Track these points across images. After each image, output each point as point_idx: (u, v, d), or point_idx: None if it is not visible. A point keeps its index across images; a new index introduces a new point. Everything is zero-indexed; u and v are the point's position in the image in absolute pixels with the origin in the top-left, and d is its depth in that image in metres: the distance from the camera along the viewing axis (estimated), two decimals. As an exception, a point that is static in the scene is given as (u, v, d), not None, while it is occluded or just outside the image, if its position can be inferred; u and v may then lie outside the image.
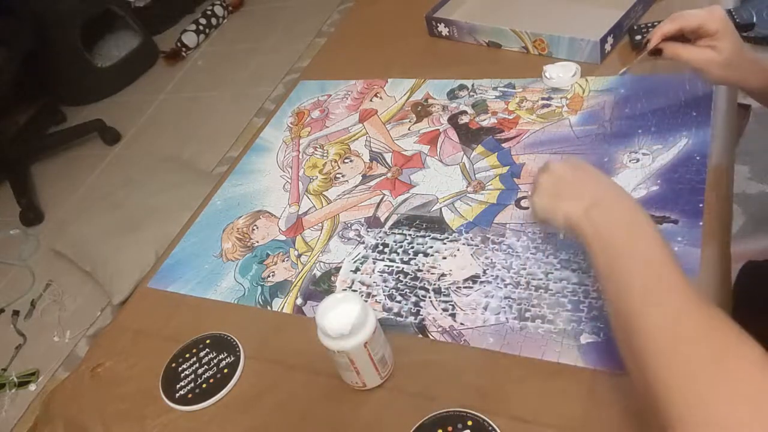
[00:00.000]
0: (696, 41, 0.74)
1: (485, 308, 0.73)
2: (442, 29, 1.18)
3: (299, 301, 0.83)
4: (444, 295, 0.76)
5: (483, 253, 0.79)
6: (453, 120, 1.00)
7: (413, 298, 0.77)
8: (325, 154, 1.05)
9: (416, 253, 0.82)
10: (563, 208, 0.63)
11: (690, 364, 0.46)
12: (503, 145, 0.92)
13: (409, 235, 0.85)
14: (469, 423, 0.62)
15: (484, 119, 0.98)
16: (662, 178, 0.78)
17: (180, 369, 0.79)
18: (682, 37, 0.76)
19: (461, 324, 0.72)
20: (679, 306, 0.50)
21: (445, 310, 0.74)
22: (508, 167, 0.89)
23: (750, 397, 0.43)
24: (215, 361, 0.78)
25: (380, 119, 1.07)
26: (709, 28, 0.72)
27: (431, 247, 0.82)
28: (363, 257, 0.84)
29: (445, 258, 0.80)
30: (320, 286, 0.83)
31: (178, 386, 0.77)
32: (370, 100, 1.12)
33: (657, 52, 0.77)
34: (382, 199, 0.92)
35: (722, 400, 0.43)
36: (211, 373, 0.77)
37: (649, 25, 0.97)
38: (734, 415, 0.43)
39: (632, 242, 0.56)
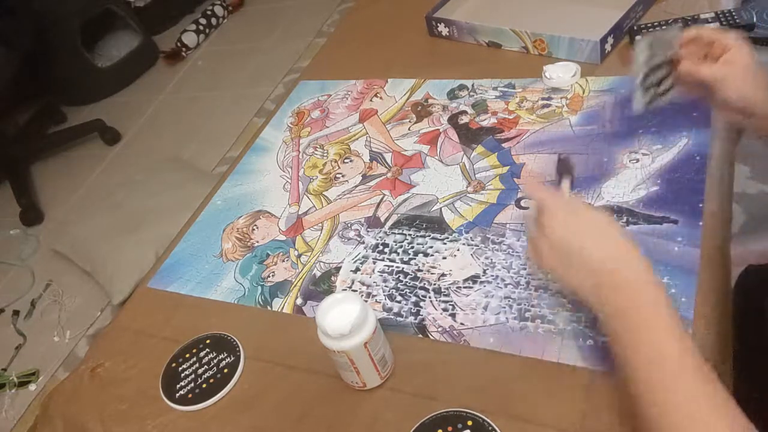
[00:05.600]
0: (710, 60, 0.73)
1: (485, 308, 0.73)
2: (442, 29, 1.18)
3: (299, 301, 0.83)
4: (444, 295, 0.76)
5: (483, 253, 0.79)
6: (453, 120, 1.00)
7: (413, 298, 0.77)
8: (325, 154, 1.05)
9: (416, 253, 0.82)
10: (570, 282, 0.60)
11: None
12: (503, 145, 0.92)
13: (409, 235, 0.85)
14: (469, 423, 0.62)
15: (484, 119, 0.98)
16: (662, 178, 0.78)
17: (180, 369, 0.79)
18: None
19: (461, 324, 0.72)
20: (686, 391, 0.50)
21: (445, 310, 0.74)
22: (508, 167, 0.89)
23: None
24: (215, 361, 0.78)
25: (380, 119, 1.07)
26: (725, 43, 0.71)
27: (431, 247, 0.82)
28: (363, 257, 0.84)
29: (445, 258, 0.80)
30: (320, 286, 0.83)
31: (178, 386, 0.77)
32: (370, 100, 1.12)
33: (674, 63, 0.75)
34: (382, 199, 0.92)
35: None
36: (211, 373, 0.77)
37: (649, 25, 0.97)
38: None
39: (642, 333, 0.54)
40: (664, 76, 0.76)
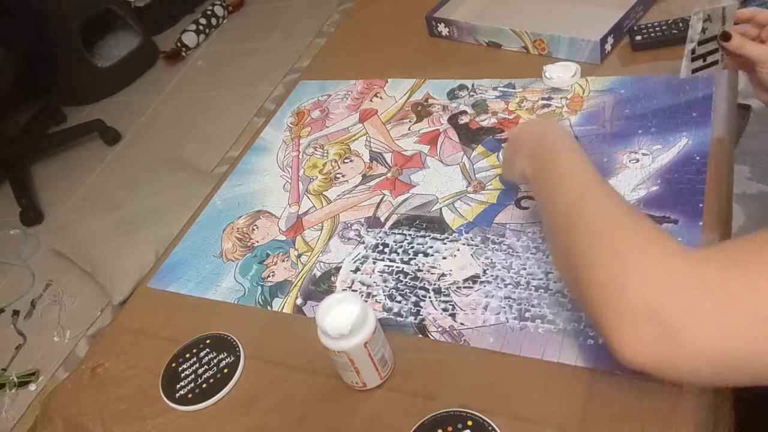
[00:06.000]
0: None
1: (485, 308, 0.73)
2: (442, 29, 1.18)
3: (299, 301, 0.83)
4: (444, 295, 0.76)
5: (483, 253, 0.79)
6: (453, 120, 1.00)
7: (413, 298, 0.77)
8: (325, 154, 1.05)
9: (416, 253, 0.82)
10: (519, 165, 0.71)
11: (614, 244, 0.51)
12: (503, 145, 0.92)
13: (409, 235, 0.85)
14: (469, 423, 0.62)
15: (484, 119, 0.98)
16: (662, 178, 0.78)
17: (180, 369, 0.79)
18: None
19: (461, 324, 0.72)
20: (607, 203, 0.57)
21: (445, 310, 0.74)
22: (508, 167, 0.89)
23: (664, 272, 0.46)
24: (215, 361, 0.78)
25: (380, 119, 1.07)
26: None
27: (431, 247, 0.82)
28: (363, 257, 0.84)
29: (445, 258, 0.80)
30: (320, 286, 0.83)
31: (178, 386, 0.77)
32: (370, 100, 1.12)
33: (726, 37, 0.78)
34: (382, 199, 0.92)
35: (641, 279, 0.47)
36: (211, 373, 0.77)
37: (649, 25, 0.97)
38: (648, 290, 0.46)
39: (562, 160, 0.64)
40: (713, 49, 0.80)
